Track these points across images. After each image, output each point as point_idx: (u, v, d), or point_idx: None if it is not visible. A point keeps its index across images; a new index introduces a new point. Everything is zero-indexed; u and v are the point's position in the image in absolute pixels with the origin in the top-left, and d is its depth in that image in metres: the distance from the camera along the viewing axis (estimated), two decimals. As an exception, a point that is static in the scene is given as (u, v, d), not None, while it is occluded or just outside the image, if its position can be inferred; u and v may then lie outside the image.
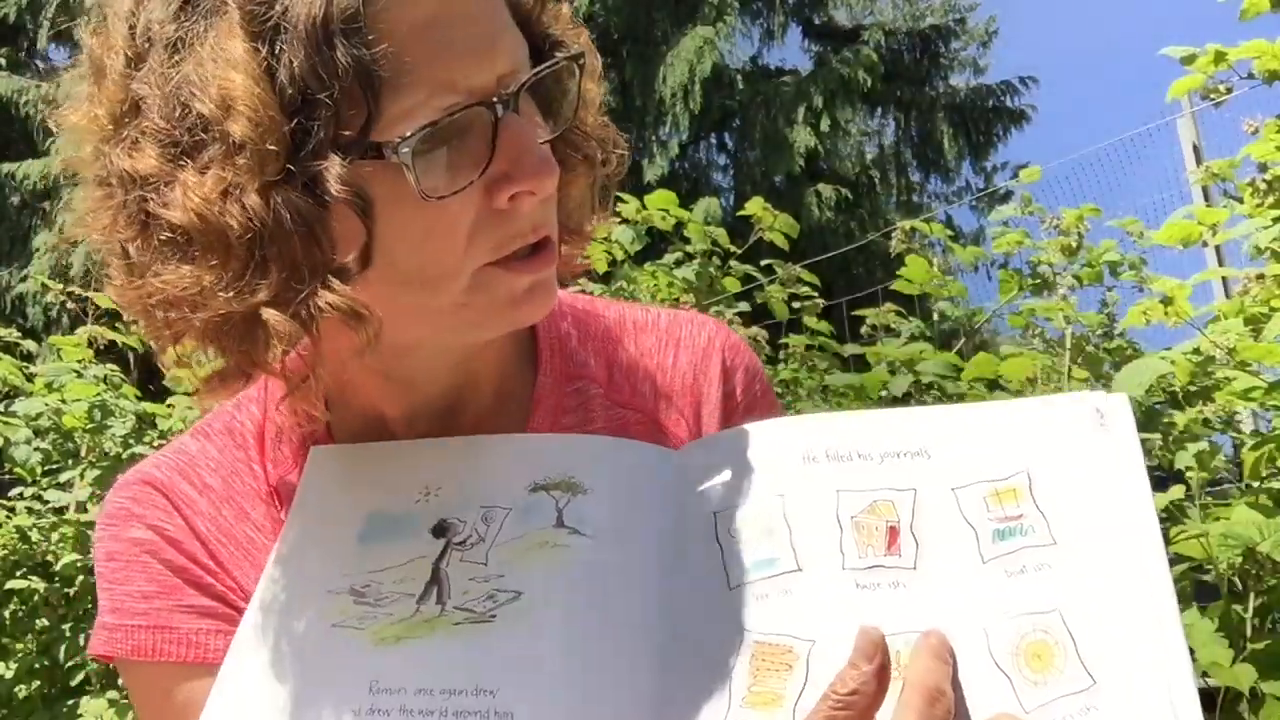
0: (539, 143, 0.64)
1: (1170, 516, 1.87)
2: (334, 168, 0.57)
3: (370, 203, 0.60)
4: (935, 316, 2.73)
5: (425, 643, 0.64)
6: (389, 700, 0.63)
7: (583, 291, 3.00)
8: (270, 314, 0.59)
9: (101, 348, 3.03)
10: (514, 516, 0.69)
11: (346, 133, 0.58)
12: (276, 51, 0.56)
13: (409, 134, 0.59)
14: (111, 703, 2.69)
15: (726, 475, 0.69)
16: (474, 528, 0.69)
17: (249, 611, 0.69)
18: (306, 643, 0.66)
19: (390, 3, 0.58)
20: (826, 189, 12.05)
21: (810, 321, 2.84)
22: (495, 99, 0.61)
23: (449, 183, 0.61)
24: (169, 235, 0.59)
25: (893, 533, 0.63)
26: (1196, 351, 1.97)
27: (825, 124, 12.12)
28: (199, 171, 0.57)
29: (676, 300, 2.83)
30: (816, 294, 2.89)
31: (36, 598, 2.88)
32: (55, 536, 2.90)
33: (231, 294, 0.58)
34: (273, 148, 0.56)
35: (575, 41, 0.70)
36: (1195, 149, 4.03)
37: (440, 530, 0.69)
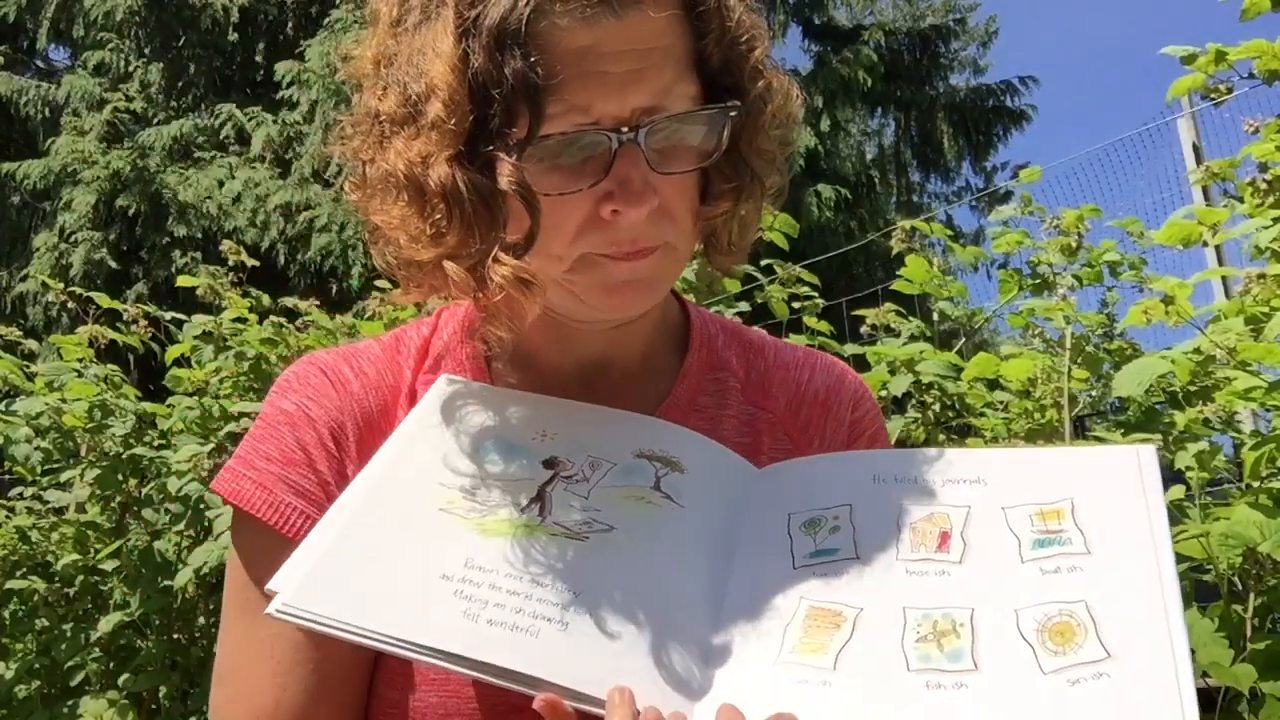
0: (667, 172, 0.74)
1: (1170, 516, 1.87)
2: (506, 162, 0.70)
3: (534, 195, 0.71)
4: (935, 316, 2.73)
5: (522, 542, 0.74)
6: (481, 576, 0.71)
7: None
8: (450, 266, 0.73)
9: (102, 348, 3.03)
10: (617, 471, 0.79)
11: (515, 129, 0.70)
12: (469, 51, 0.70)
13: (533, 139, 0.70)
14: (111, 703, 2.69)
15: (804, 485, 0.79)
16: (581, 469, 0.79)
17: (359, 477, 0.78)
18: (412, 516, 0.75)
19: (553, 27, 0.70)
20: (826, 189, 12.04)
21: (810, 321, 2.84)
22: (624, 128, 0.72)
23: (559, 185, 0.72)
24: (385, 176, 0.74)
25: (944, 536, 0.73)
26: (1197, 351, 1.97)
27: (825, 124, 12.12)
28: (410, 135, 0.72)
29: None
30: (816, 294, 2.89)
31: (36, 598, 2.88)
32: (55, 536, 2.90)
33: (420, 244, 0.74)
34: (455, 129, 0.70)
35: (754, 85, 0.78)
36: (1195, 149, 4.03)
37: (550, 464, 0.79)
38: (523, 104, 0.69)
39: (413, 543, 0.74)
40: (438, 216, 0.72)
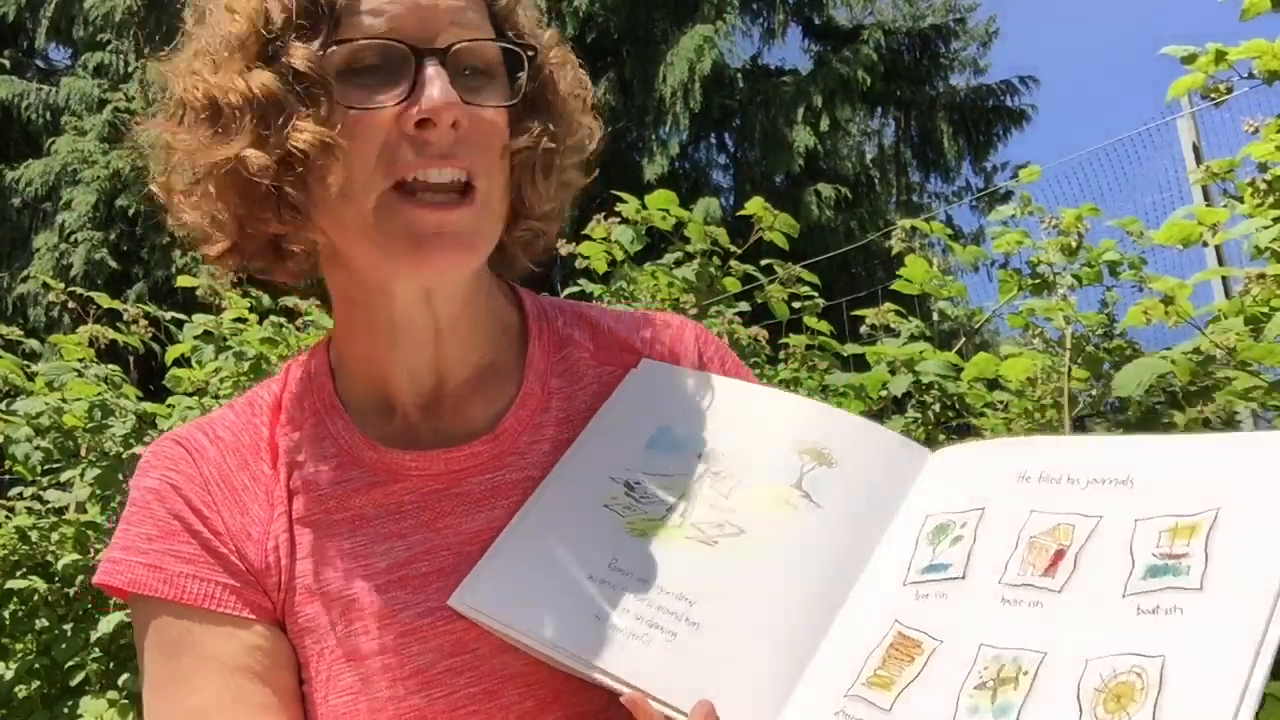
0: (471, 102, 0.78)
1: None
2: (300, 49, 0.76)
3: (328, 85, 0.76)
4: (935, 316, 2.73)
5: (660, 544, 0.78)
6: (620, 579, 0.77)
7: (582, 292, 3.00)
8: (251, 153, 0.76)
9: (102, 348, 3.03)
10: (763, 466, 0.80)
11: (311, 38, 0.76)
12: None
13: (335, 44, 0.76)
14: (111, 703, 2.69)
15: (951, 482, 0.77)
16: (731, 465, 0.81)
17: (553, 472, 0.85)
18: (579, 510, 0.82)
19: None
20: (826, 189, 12.03)
21: (810, 321, 2.84)
22: (424, 47, 0.77)
23: (363, 100, 0.77)
24: (191, 113, 0.80)
25: (1058, 555, 0.67)
26: (1196, 351, 1.97)
27: (825, 124, 12.11)
28: (214, 65, 0.79)
29: (676, 300, 2.83)
30: (816, 294, 2.89)
31: (36, 598, 2.87)
32: (55, 536, 2.90)
33: (218, 140, 0.78)
34: (250, 36, 0.77)
35: (546, 53, 0.87)
36: (1195, 149, 4.03)
37: (706, 458, 0.82)
38: (322, 9, 0.76)
39: (571, 539, 0.80)
40: (234, 120, 0.77)
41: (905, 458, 0.80)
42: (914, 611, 0.70)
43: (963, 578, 0.69)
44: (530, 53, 0.83)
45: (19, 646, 2.88)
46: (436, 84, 0.76)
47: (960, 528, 0.72)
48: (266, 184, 0.77)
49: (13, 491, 3.24)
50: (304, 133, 0.75)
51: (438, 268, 0.80)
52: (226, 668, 0.81)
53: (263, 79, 0.76)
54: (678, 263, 2.89)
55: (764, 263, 2.94)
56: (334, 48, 0.77)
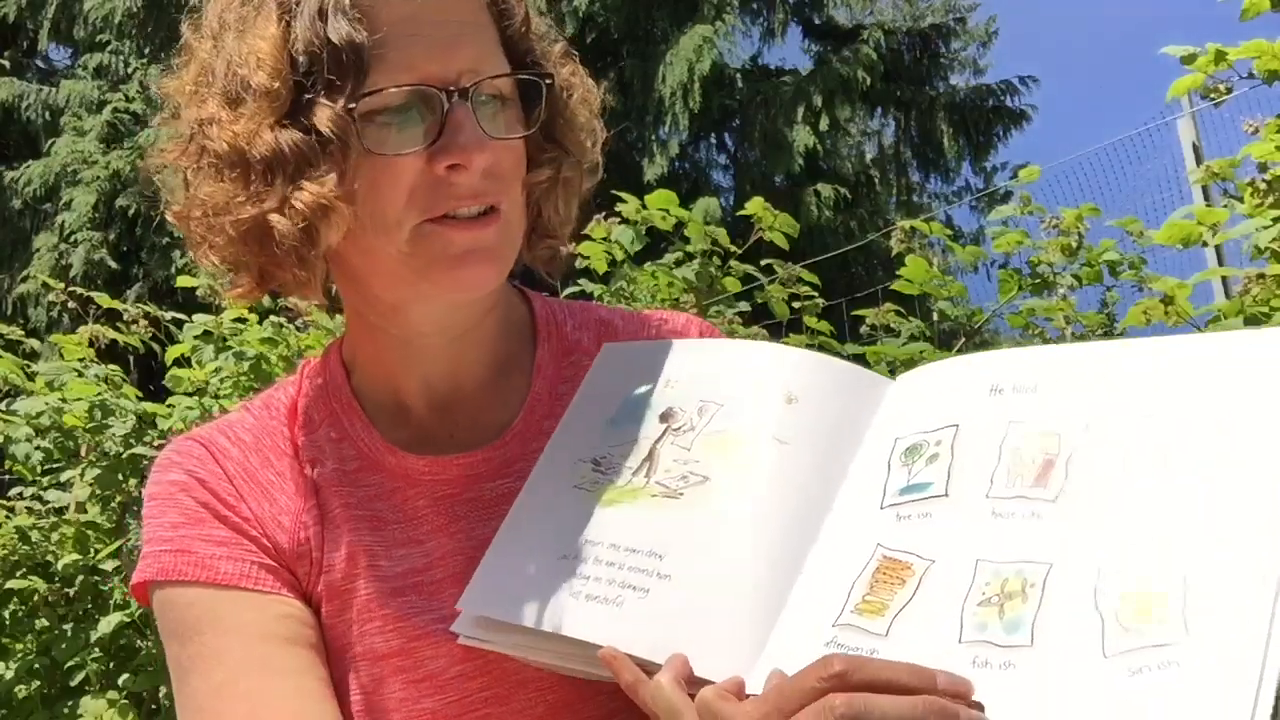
0: (497, 137, 0.78)
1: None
2: (326, 109, 0.74)
3: (348, 146, 0.75)
4: (935, 316, 2.73)
5: (627, 508, 0.77)
6: (591, 551, 0.76)
7: (582, 291, 3.00)
8: (276, 219, 0.76)
9: (102, 347, 3.03)
10: (723, 412, 0.79)
11: (338, 92, 0.75)
12: (291, 28, 0.75)
13: (363, 97, 0.75)
14: (111, 703, 2.69)
15: (916, 401, 0.75)
16: (690, 417, 0.81)
17: (534, 471, 0.84)
18: (555, 500, 0.81)
19: (376, 1, 0.76)
20: (826, 189, 12.03)
21: (810, 321, 2.84)
22: (451, 88, 0.77)
23: (395, 145, 0.76)
24: (212, 160, 0.78)
25: (1047, 465, 0.64)
26: (1196, 351, 1.96)
27: (825, 124, 12.11)
28: (236, 115, 0.77)
29: (677, 300, 2.83)
30: (816, 294, 2.89)
31: (36, 598, 2.87)
32: (55, 536, 2.90)
33: (247, 200, 0.77)
34: (279, 93, 0.75)
35: (559, 71, 0.87)
36: (1195, 149, 4.02)
37: (665, 417, 0.82)
38: (348, 61, 0.74)
39: (547, 530, 0.79)
40: (263, 180, 0.76)
41: (865, 384, 0.78)
42: (897, 533, 0.67)
43: (946, 495, 0.67)
44: (548, 81, 0.83)
45: (19, 646, 2.87)
46: (466, 128, 0.76)
47: (935, 446, 0.70)
48: (289, 243, 0.77)
49: (13, 491, 3.24)
50: (304, 192, 0.75)
51: (471, 284, 0.80)
52: (252, 636, 0.80)
53: (291, 137, 0.75)
54: (678, 263, 2.89)
55: (764, 263, 2.94)
56: (366, 99, 0.75)
